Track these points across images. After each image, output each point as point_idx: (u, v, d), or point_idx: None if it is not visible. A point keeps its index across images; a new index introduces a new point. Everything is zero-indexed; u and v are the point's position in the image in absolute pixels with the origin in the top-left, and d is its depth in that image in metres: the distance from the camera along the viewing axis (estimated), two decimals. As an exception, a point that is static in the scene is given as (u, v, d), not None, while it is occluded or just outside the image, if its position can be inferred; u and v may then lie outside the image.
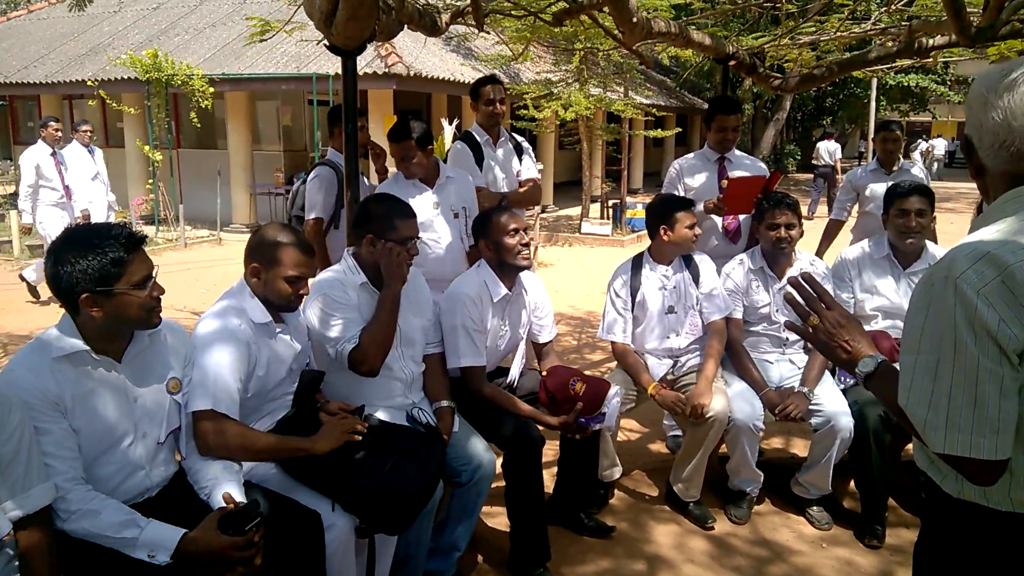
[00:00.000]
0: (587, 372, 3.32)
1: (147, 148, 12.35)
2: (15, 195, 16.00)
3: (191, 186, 14.02)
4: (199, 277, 9.55)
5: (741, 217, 4.18)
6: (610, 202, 14.41)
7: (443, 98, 16.27)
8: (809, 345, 2.83)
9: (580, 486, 3.47)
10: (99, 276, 2.01)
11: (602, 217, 14.22)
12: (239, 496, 2.19)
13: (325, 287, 2.76)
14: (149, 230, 12.43)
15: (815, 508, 3.62)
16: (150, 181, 12.61)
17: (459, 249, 3.89)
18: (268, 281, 2.48)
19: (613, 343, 3.71)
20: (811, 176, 18.30)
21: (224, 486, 2.20)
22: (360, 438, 2.44)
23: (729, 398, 3.46)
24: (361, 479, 2.40)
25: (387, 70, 11.48)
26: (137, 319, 2.10)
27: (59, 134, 7.69)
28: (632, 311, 3.67)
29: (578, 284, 9.53)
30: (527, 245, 3.16)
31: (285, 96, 14.44)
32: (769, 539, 3.49)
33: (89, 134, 7.99)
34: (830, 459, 3.47)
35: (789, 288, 1.66)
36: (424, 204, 3.69)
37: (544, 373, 3.26)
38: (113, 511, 2.01)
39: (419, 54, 12.89)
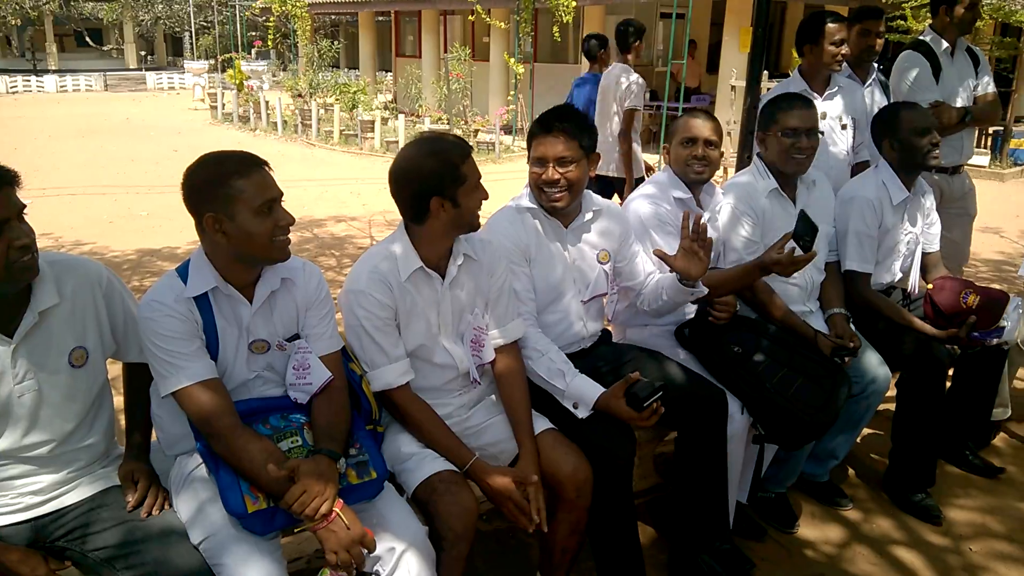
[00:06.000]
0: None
1: (512, 61, 13.26)
2: (395, 101, 18.25)
3: (544, 98, 14.84)
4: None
5: None
6: (991, 129, 12.63)
7: (799, 8, 15.25)
8: None
9: (971, 419, 3.29)
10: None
11: (979, 145, 12.54)
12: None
13: (737, 190, 2.87)
14: (507, 139, 13.50)
15: None
16: (511, 93, 13.56)
17: (845, 163, 3.76)
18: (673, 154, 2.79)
19: None
20: None
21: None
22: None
23: None
24: (774, 395, 2.53)
25: (751, -21, 11.03)
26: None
27: None
28: None
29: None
30: (936, 145, 3.00)
31: (638, 10, 14.54)
32: None
33: None
34: None
35: None
36: None
37: (930, 286, 3.10)
38: (551, 358, 2.35)
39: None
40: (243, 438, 1.81)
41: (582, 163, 2.38)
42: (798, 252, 2.46)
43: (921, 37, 3.94)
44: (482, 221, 2.24)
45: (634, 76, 5.73)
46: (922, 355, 2.91)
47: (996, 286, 4.23)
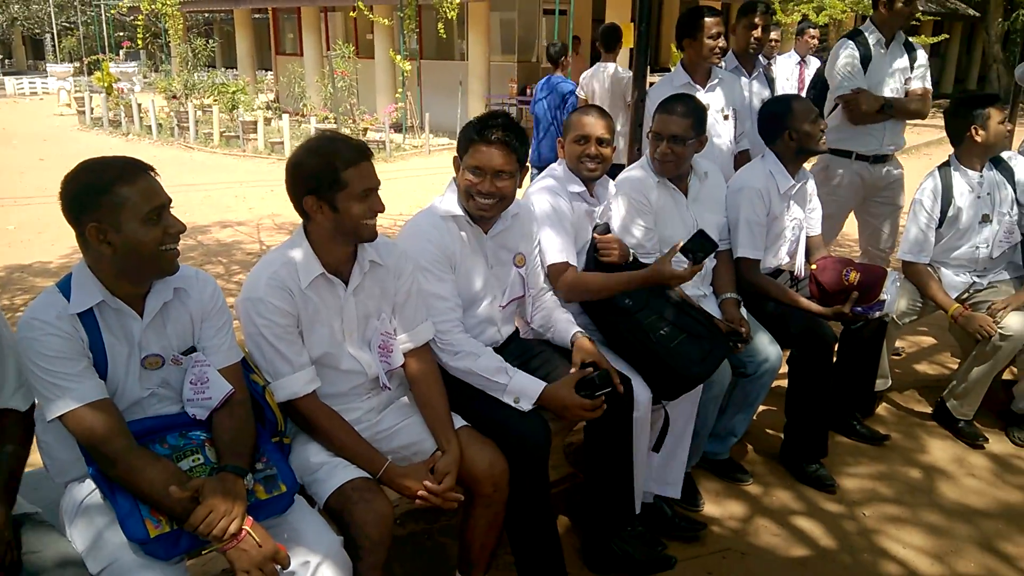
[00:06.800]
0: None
1: (398, 58, 13.11)
2: (277, 100, 17.73)
3: (433, 96, 14.77)
4: (444, 181, 10.22)
5: None
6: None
7: (675, 3, 15.78)
8: None
9: (856, 391, 3.49)
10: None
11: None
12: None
13: (630, 184, 2.92)
14: (397, 138, 13.34)
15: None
16: (399, 91, 13.41)
17: (729, 153, 3.90)
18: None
19: (904, 261, 3.59)
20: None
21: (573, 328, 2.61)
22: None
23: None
24: (656, 346, 2.59)
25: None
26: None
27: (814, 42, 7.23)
28: (940, 227, 3.53)
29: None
30: (824, 131, 3.16)
31: (521, 5, 14.66)
32: (1060, 464, 3.34)
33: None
34: None
35: None
36: None
37: (814, 267, 3.26)
38: (489, 357, 2.35)
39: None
40: (140, 460, 1.71)
41: (516, 177, 2.38)
42: (686, 265, 2.50)
43: (860, 28, 4.08)
44: (393, 222, 2.19)
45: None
46: (810, 333, 3.05)
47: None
